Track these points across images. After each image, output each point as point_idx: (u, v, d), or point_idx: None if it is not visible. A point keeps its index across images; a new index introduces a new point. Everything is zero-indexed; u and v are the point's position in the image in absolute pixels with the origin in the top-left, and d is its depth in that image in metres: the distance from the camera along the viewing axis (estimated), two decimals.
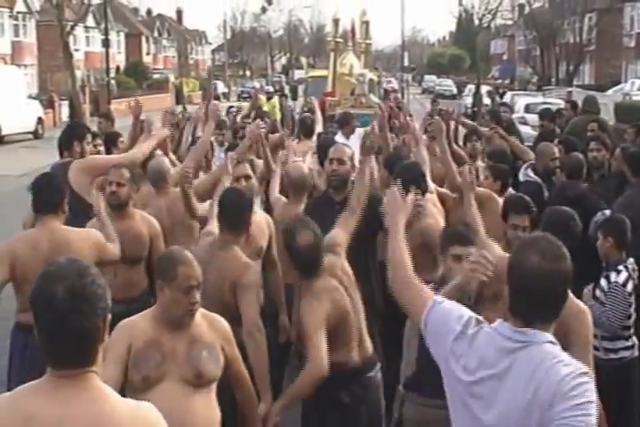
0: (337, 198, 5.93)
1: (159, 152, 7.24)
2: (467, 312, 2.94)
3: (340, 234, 4.90)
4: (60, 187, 5.21)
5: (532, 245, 2.79)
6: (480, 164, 7.82)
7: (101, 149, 7.88)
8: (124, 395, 2.85)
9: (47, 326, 2.28)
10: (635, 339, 5.42)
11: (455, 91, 57.71)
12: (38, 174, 5.39)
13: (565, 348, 3.46)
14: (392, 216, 3.40)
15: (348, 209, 5.13)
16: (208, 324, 3.82)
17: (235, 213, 4.84)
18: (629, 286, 5.32)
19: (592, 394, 2.61)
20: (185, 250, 3.84)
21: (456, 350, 2.84)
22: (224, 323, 3.92)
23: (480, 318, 2.93)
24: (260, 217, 5.74)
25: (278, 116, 17.73)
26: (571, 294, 3.87)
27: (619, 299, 5.28)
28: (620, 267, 5.37)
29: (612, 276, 5.34)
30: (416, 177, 5.59)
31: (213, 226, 5.13)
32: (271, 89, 30.52)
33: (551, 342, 2.73)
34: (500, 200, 5.98)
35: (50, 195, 5.08)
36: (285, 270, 5.64)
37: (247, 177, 6.16)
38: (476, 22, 43.41)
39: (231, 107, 14.37)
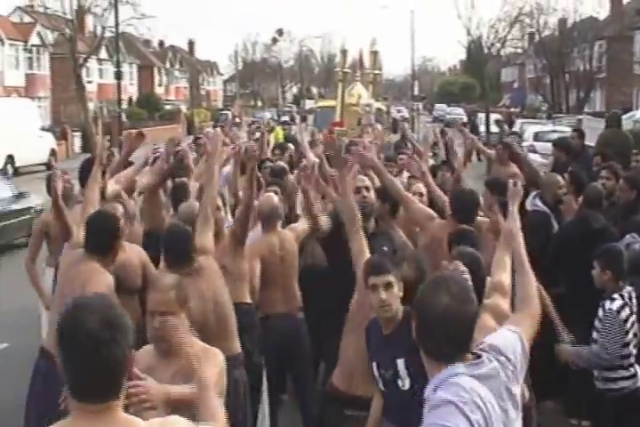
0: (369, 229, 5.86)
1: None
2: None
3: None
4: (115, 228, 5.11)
5: (442, 286, 2.81)
6: None
7: None
8: None
9: (80, 357, 2.28)
10: (637, 368, 5.43)
11: (466, 119, 57.75)
12: (93, 213, 5.28)
13: None
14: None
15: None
16: (202, 356, 3.76)
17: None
18: (623, 314, 5.36)
19: None
20: (167, 276, 3.86)
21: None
22: (217, 355, 3.85)
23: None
24: None
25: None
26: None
27: (613, 326, 5.33)
28: (615, 295, 5.45)
29: (607, 304, 5.42)
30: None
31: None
32: (286, 118, 31.14)
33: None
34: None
35: (102, 236, 5.02)
36: None
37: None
38: (485, 51, 43.61)
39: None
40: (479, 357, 2.80)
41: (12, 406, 5.99)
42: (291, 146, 11.14)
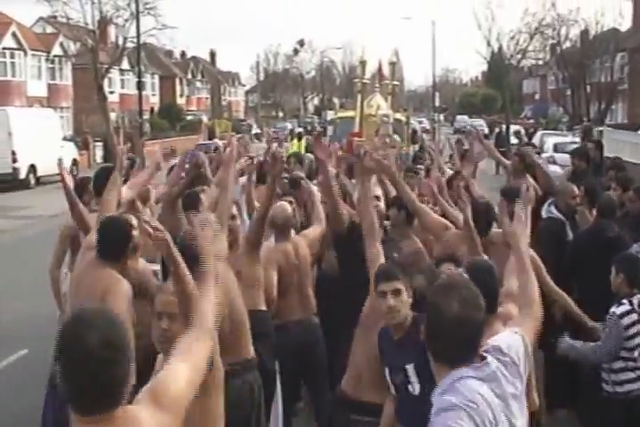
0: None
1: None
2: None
3: None
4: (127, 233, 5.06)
5: (453, 292, 2.87)
6: None
7: None
8: None
9: (79, 375, 2.25)
10: None
11: (487, 130, 57.67)
12: (106, 218, 5.19)
13: None
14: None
15: None
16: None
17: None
18: (627, 320, 5.37)
19: None
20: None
21: None
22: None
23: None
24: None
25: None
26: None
27: (613, 329, 5.35)
28: (624, 300, 5.46)
29: (613, 308, 5.44)
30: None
31: None
32: (301, 130, 31.41)
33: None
34: None
35: (114, 243, 4.98)
36: None
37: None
38: (506, 62, 43.57)
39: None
40: (484, 358, 2.84)
41: (29, 414, 6.03)
42: (309, 155, 11.09)
